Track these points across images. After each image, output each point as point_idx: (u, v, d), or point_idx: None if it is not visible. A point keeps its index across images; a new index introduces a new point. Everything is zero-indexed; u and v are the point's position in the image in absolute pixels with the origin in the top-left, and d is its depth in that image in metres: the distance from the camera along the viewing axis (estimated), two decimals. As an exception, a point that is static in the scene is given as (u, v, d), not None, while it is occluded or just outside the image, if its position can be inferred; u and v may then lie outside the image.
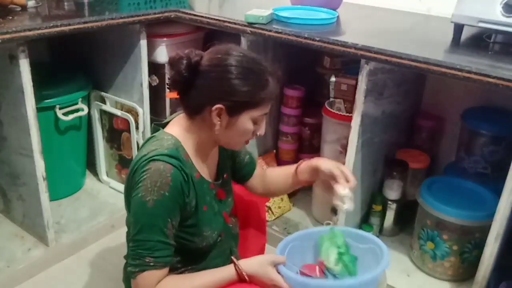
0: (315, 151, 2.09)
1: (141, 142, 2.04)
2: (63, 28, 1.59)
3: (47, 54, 2.23)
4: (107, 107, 2.10)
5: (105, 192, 2.21)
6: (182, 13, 1.92)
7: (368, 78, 1.54)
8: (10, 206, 1.93)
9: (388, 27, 1.86)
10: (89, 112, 2.09)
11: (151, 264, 1.07)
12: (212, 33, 2.06)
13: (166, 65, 2.04)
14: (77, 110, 1.97)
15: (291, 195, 2.15)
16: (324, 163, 1.30)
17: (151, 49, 1.99)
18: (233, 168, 1.38)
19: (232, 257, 1.19)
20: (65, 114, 1.92)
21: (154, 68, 2.06)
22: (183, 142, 1.16)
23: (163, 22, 1.94)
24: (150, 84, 2.04)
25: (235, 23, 1.76)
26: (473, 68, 1.32)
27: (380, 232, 1.97)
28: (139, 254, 1.07)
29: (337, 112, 1.86)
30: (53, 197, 1.86)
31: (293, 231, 1.95)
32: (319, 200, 2.03)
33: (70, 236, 1.90)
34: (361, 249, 1.24)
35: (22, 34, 1.48)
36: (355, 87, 1.63)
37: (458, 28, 1.59)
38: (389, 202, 1.91)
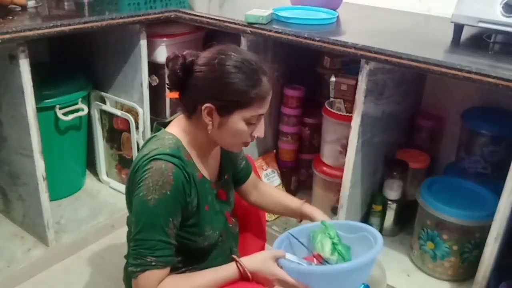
0: (315, 151, 2.10)
1: (141, 142, 2.04)
2: (63, 28, 1.59)
3: (47, 54, 2.23)
4: (107, 107, 2.10)
5: (105, 192, 2.21)
6: (182, 13, 1.92)
7: (368, 78, 1.54)
8: (10, 206, 1.93)
9: (388, 27, 1.87)
10: (89, 112, 2.09)
11: (153, 263, 1.07)
12: (212, 33, 2.06)
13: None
14: (77, 110, 1.97)
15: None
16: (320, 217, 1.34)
17: (151, 49, 1.99)
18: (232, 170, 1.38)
19: (233, 255, 1.19)
20: (65, 114, 1.92)
21: (154, 68, 2.06)
22: (184, 141, 1.17)
23: (163, 22, 1.94)
24: (150, 84, 2.04)
25: (235, 23, 1.76)
26: (473, 68, 1.32)
27: (380, 232, 1.94)
28: (140, 254, 1.07)
29: (337, 112, 1.86)
30: (53, 197, 1.86)
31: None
32: (319, 200, 2.03)
33: (70, 236, 1.90)
34: (352, 238, 1.27)
35: (22, 34, 1.48)
36: (355, 87, 1.63)
37: (458, 28, 1.59)
38: (389, 202, 1.91)
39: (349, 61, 2.00)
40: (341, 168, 1.73)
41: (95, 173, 2.30)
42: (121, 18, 1.75)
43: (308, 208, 1.38)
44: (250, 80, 1.10)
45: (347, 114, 1.80)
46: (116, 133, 2.15)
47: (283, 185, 2.16)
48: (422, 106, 2.11)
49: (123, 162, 2.19)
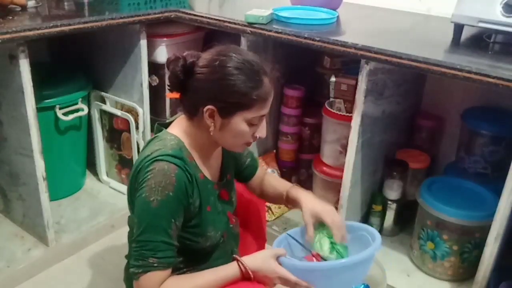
0: (315, 151, 2.10)
1: (141, 142, 2.04)
2: (63, 28, 1.59)
3: (47, 54, 2.23)
4: (107, 107, 2.10)
5: (105, 192, 2.21)
6: (182, 13, 1.92)
7: (368, 78, 1.54)
8: (10, 206, 1.93)
9: (388, 27, 1.87)
10: (89, 112, 2.09)
11: (155, 265, 1.07)
12: (212, 33, 2.06)
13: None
14: (77, 110, 1.97)
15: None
16: (307, 205, 1.28)
17: (151, 49, 1.99)
18: (235, 169, 1.38)
19: (234, 255, 1.19)
20: (65, 114, 1.92)
21: (154, 68, 2.06)
22: (185, 142, 1.17)
23: (163, 22, 1.94)
24: (150, 84, 2.04)
25: (235, 23, 1.76)
26: (473, 68, 1.32)
27: (380, 232, 1.95)
28: (142, 255, 1.07)
29: (337, 112, 1.86)
30: (53, 197, 1.86)
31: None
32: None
33: (70, 236, 1.90)
34: (349, 238, 1.27)
35: (22, 34, 1.48)
36: (355, 87, 1.63)
37: (458, 28, 1.59)
38: (389, 202, 1.91)
39: (349, 61, 2.00)
40: (341, 168, 1.73)
41: (95, 173, 2.30)
42: (121, 18, 1.75)
43: (295, 192, 1.33)
44: (252, 81, 1.09)
45: (347, 114, 1.80)
46: (116, 133, 2.15)
47: (283, 185, 2.16)
48: (422, 106, 2.11)
49: (123, 162, 2.19)
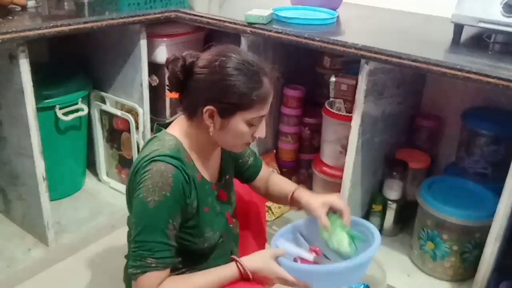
0: (315, 151, 2.10)
1: (141, 142, 2.04)
2: (63, 28, 1.59)
3: (47, 54, 2.23)
4: (107, 107, 2.10)
5: (105, 192, 2.21)
6: (182, 13, 1.92)
7: (368, 78, 1.54)
8: (10, 206, 1.93)
9: (388, 27, 1.86)
10: (89, 112, 2.09)
11: (153, 265, 1.07)
12: (212, 33, 2.06)
13: (166, 65, 2.04)
14: (77, 110, 1.97)
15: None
16: (315, 199, 1.30)
17: (151, 49, 1.99)
18: (236, 169, 1.38)
19: (233, 255, 1.19)
20: (65, 114, 1.92)
21: (154, 68, 2.06)
22: (184, 143, 1.17)
23: (163, 22, 1.94)
24: (150, 84, 2.04)
25: (235, 23, 1.76)
26: (473, 68, 1.32)
27: (380, 232, 1.95)
28: (140, 255, 1.07)
29: (337, 112, 1.86)
30: (53, 197, 1.86)
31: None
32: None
33: (70, 236, 1.90)
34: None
35: (22, 34, 1.48)
36: (355, 87, 1.63)
37: (458, 28, 1.59)
38: (389, 202, 1.91)
39: (349, 61, 2.00)
40: (341, 168, 1.73)
41: (95, 173, 2.30)
42: (121, 18, 1.75)
43: (300, 194, 1.34)
44: (252, 82, 1.09)
45: (347, 114, 1.80)
46: (116, 133, 2.15)
47: (283, 185, 2.16)
48: (422, 106, 2.11)
49: (123, 162, 2.19)
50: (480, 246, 1.56)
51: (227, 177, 1.31)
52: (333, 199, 1.29)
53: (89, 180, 2.29)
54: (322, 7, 1.90)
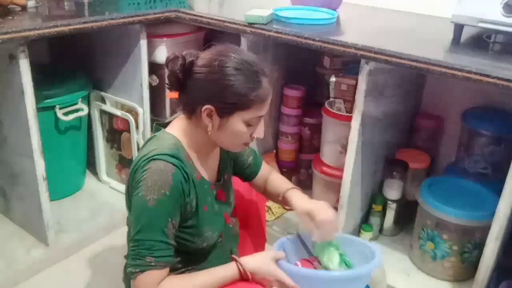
0: (315, 151, 2.10)
1: (141, 142, 2.04)
2: (63, 28, 1.59)
3: (47, 54, 2.23)
4: (107, 107, 2.10)
5: (105, 192, 2.21)
6: (182, 13, 1.92)
7: (368, 78, 1.54)
8: (10, 206, 1.93)
9: (388, 27, 1.86)
10: (89, 112, 2.09)
11: (152, 264, 1.07)
12: (212, 33, 2.06)
13: (166, 65, 2.04)
14: (77, 110, 1.97)
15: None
16: (298, 205, 1.29)
17: (151, 49, 1.99)
18: (235, 168, 1.38)
19: (233, 255, 1.19)
20: (65, 114, 1.92)
21: (154, 68, 2.06)
22: (183, 142, 1.17)
23: (163, 22, 1.94)
24: (150, 84, 2.04)
25: (235, 23, 1.76)
26: (473, 68, 1.32)
27: (380, 232, 1.97)
28: (139, 254, 1.07)
29: (337, 112, 1.86)
30: (53, 197, 1.86)
31: (293, 231, 1.95)
32: (319, 200, 2.03)
33: (70, 236, 1.90)
34: (349, 251, 1.29)
35: (22, 34, 1.48)
36: (355, 87, 1.63)
37: (458, 28, 1.59)
38: (389, 202, 1.91)
39: (349, 61, 2.00)
40: (341, 168, 1.73)
41: (95, 173, 2.30)
42: (121, 18, 1.75)
43: (289, 194, 1.33)
44: (250, 82, 1.09)
45: (347, 114, 1.80)
46: (116, 133, 2.15)
47: (283, 185, 2.16)
48: (422, 106, 2.11)
49: (123, 162, 2.19)
50: (480, 246, 1.56)
51: (225, 176, 1.31)
52: (315, 211, 1.25)
53: (89, 180, 2.29)
54: (322, 7, 1.90)
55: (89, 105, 2.09)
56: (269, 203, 2.02)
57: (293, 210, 1.32)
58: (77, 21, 1.63)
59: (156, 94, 2.09)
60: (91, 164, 2.28)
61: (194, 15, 1.89)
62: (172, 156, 1.10)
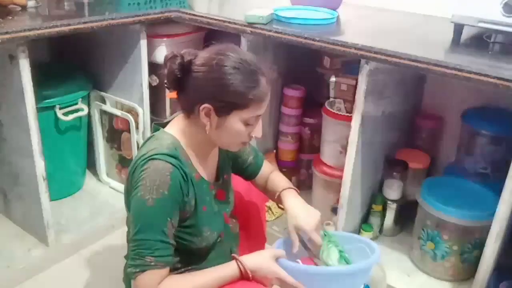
0: (315, 151, 2.10)
1: (141, 142, 2.04)
2: (63, 28, 1.59)
3: (47, 54, 2.23)
4: (107, 107, 2.10)
5: (105, 192, 2.21)
6: (182, 13, 1.92)
7: (368, 78, 1.54)
8: (10, 206, 1.93)
9: (388, 27, 1.86)
10: (89, 112, 2.09)
11: (152, 264, 1.07)
12: (212, 33, 2.06)
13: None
14: (77, 110, 1.97)
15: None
16: (291, 218, 1.28)
17: (151, 49, 1.99)
18: (235, 168, 1.38)
19: (233, 254, 1.19)
20: (65, 114, 1.92)
21: (154, 68, 2.05)
22: (182, 141, 1.17)
23: (163, 22, 1.94)
24: (150, 84, 2.04)
25: (235, 23, 1.76)
26: (473, 68, 1.32)
27: (380, 232, 1.97)
28: (139, 254, 1.07)
29: (337, 112, 1.86)
30: (53, 197, 1.86)
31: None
32: (319, 200, 2.03)
33: (70, 236, 1.90)
34: (348, 249, 1.29)
35: (22, 34, 1.48)
36: (355, 87, 1.63)
37: (458, 28, 1.59)
38: (389, 202, 1.91)
39: (349, 61, 2.00)
40: (341, 168, 1.73)
41: (95, 173, 2.30)
42: (121, 18, 1.75)
43: (283, 196, 1.33)
44: (249, 81, 1.09)
45: (347, 114, 1.80)
46: (116, 133, 2.15)
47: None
48: (422, 106, 2.11)
49: (123, 162, 2.19)
50: (480, 246, 1.56)
51: (224, 176, 1.31)
52: (299, 215, 1.26)
53: (89, 180, 2.29)
54: (322, 7, 1.90)
55: (89, 105, 2.09)
56: (269, 203, 2.02)
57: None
58: (77, 21, 1.63)
59: (156, 94, 2.09)
60: (91, 164, 2.28)
61: (194, 15, 1.89)
62: (170, 155, 1.10)
